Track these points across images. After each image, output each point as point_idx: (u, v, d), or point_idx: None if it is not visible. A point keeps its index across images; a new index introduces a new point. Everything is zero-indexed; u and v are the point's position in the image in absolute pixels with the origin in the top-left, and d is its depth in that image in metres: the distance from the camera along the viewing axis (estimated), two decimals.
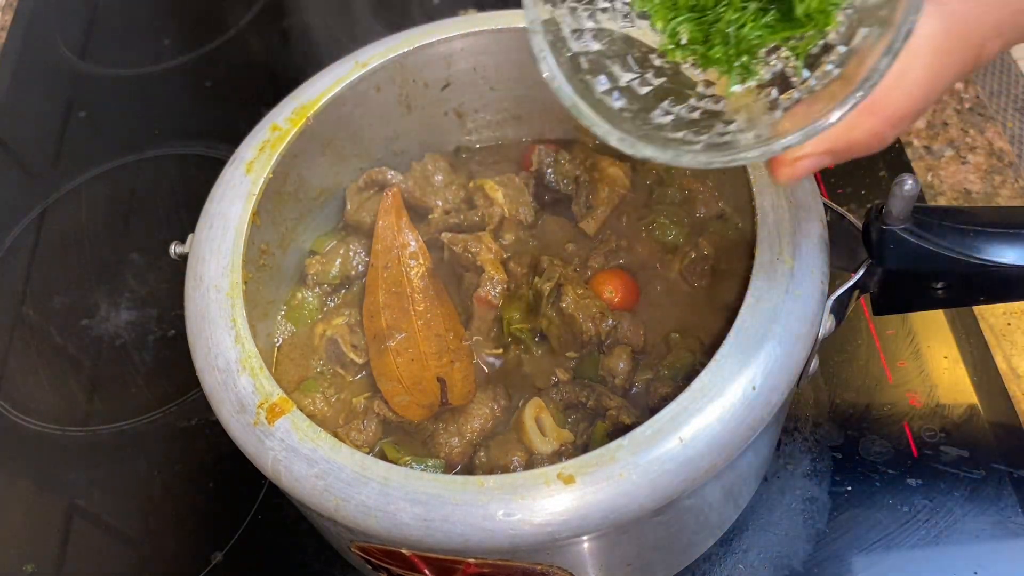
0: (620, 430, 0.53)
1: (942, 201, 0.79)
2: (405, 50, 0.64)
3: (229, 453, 0.50)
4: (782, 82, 0.42)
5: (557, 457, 0.54)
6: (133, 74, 1.04)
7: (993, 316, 0.71)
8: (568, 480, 0.44)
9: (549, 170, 0.68)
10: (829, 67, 0.40)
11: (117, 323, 0.82)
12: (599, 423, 0.56)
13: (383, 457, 0.56)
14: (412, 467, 0.54)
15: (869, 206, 0.51)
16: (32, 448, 0.75)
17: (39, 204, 0.93)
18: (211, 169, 0.61)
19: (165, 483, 0.71)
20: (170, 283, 0.84)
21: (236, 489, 0.69)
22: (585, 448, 0.55)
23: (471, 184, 0.68)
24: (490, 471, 0.54)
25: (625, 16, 0.44)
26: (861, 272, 0.52)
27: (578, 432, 0.56)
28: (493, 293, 0.61)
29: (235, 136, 0.62)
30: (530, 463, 0.54)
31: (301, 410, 0.49)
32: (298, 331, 0.64)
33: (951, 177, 0.80)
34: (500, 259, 0.63)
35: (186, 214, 0.88)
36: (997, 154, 0.81)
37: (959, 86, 0.86)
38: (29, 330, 0.84)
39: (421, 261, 0.64)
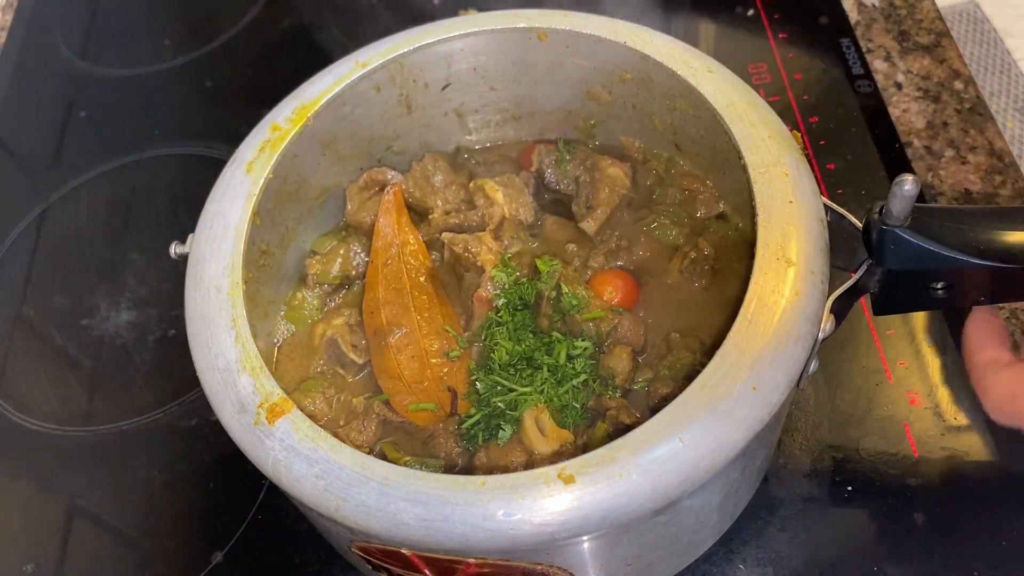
0: (620, 430, 0.53)
1: (942, 201, 0.79)
2: (405, 50, 0.64)
3: (229, 453, 0.50)
4: None
5: (557, 457, 0.54)
6: (133, 74, 1.04)
7: None
8: (568, 480, 0.44)
9: (549, 170, 0.68)
10: None
11: (117, 323, 0.82)
12: (599, 423, 0.56)
13: (383, 457, 0.56)
14: (412, 467, 0.54)
15: (869, 206, 0.51)
16: (32, 448, 0.75)
17: (39, 204, 0.93)
18: (211, 169, 0.61)
19: (165, 483, 0.71)
20: (170, 283, 0.84)
21: (236, 489, 0.69)
22: (585, 448, 0.55)
23: (471, 184, 0.67)
24: (490, 471, 0.54)
25: None
26: (861, 272, 0.52)
27: (578, 432, 0.56)
28: (494, 293, 0.61)
29: (235, 136, 0.62)
30: (530, 463, 0.54)
31: (301, 410, 0.49)
32: (298, 331, 0.64)
33: (951, 177, 0.80)
34: (500, 259, 0.63)
35: (186, 214, 0.88)
36: (997, 154, 0.81)
37: (959, 86, 0.86)
38: (29, 330, 0.84)
39: (421, 259, 0.64)
